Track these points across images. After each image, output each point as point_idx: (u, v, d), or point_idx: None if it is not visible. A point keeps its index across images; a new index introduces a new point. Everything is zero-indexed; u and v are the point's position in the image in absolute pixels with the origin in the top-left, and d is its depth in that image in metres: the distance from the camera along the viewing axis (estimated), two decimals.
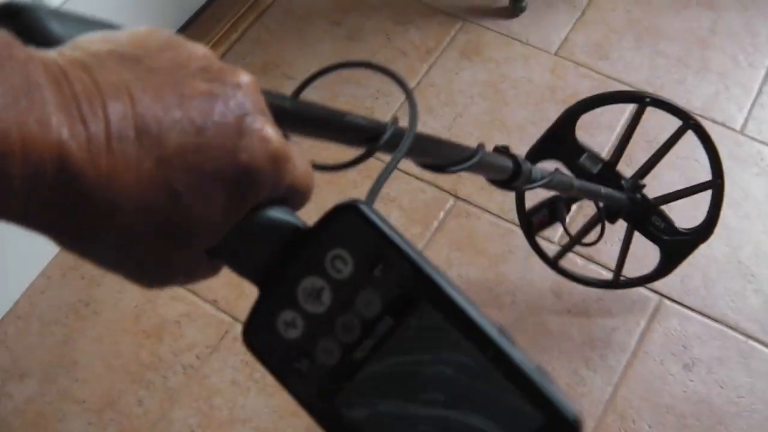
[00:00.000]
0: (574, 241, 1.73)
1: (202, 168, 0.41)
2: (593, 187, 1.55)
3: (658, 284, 1.85)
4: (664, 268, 1.76)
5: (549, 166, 1.33)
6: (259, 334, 0.49)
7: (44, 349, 1.84)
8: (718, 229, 1.87)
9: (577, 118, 1.68)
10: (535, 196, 1.69)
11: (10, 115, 0.35)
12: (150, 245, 0.43)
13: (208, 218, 0.43)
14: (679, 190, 1.73)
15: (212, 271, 0.50)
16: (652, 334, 1.81)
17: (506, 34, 2.28)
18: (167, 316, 1.86)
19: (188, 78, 0.42)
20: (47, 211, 0.38)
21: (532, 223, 1.76)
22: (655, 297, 1.85)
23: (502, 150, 1.22)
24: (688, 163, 2.01)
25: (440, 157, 0.95)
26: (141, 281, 0.47)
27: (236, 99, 0.43)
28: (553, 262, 1.80)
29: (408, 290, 0.46)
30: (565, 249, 1.79)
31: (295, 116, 0.62)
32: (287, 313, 0.47)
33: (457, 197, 1.99)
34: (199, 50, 0.44)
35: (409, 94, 0.77)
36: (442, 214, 1.97)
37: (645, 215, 1.70)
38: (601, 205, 1.66)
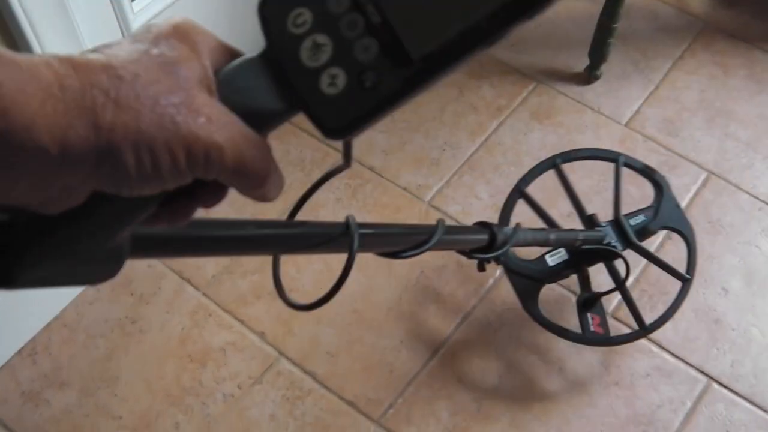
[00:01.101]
0: (597, 297, 1.74)
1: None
2: (570, 234, 1.62)
3: (708, 367, 1.83)
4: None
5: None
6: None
7: (87, 361, 1.85)
8: None
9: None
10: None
11: None
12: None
13: None
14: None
15: None
16: (697, 416, 1.78)
17: (579, 100, 2.28)
18: (213, 342, 1.86)
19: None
20: None
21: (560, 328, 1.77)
22: (703, 379, 1.82)
23: (479, 223, 1.23)
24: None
25: (396, 245, 0.96)
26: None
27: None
28: (584, 337, 1.78)
29: None
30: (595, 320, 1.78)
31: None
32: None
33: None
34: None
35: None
36: (498, 273, 1.96)
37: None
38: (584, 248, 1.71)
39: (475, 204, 2.06)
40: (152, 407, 1.79)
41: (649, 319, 1.76)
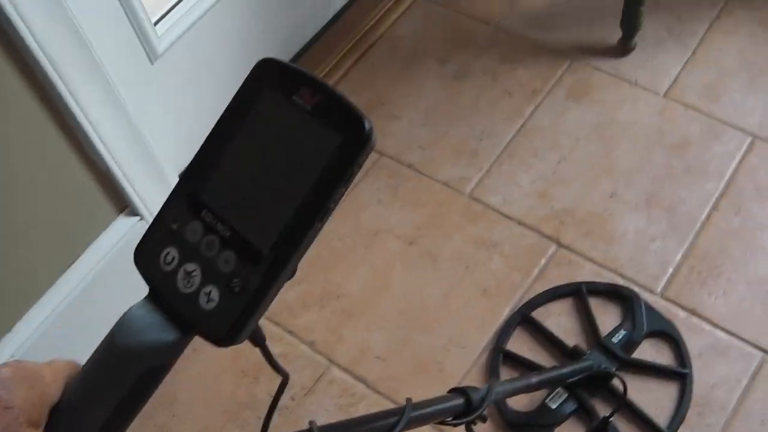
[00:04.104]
0: (606, 422, 1.72)
1: None
2: (555, 372, 1.65)
3: (763, 341, 1.80)
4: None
5: None
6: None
7: None
8: None
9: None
10: None
11: None
12: None
13: None
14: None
15: None
16: (754, 393, 1.76)
17: (614, 74, 2.24)
18: None
19: None
20: None
21: None
22: (758, 354, 1.80)
23: (452, 390, 1.24)
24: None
25: None
26: None
27: None
28: None
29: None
30: None
31: None
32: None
33: (559, 244, 1.96)
34: None
35: None
36: (543, 261, 1.95)
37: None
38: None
39: (516, 192, 2.05)
40: (211, 424, 1.82)
41: (663, 422, 1.75)
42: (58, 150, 1.63)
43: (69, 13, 1.48)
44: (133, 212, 1.85)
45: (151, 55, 1.87)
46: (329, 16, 2.38)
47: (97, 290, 1.82)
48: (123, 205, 1.84)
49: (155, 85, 1.93)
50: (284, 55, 2.27)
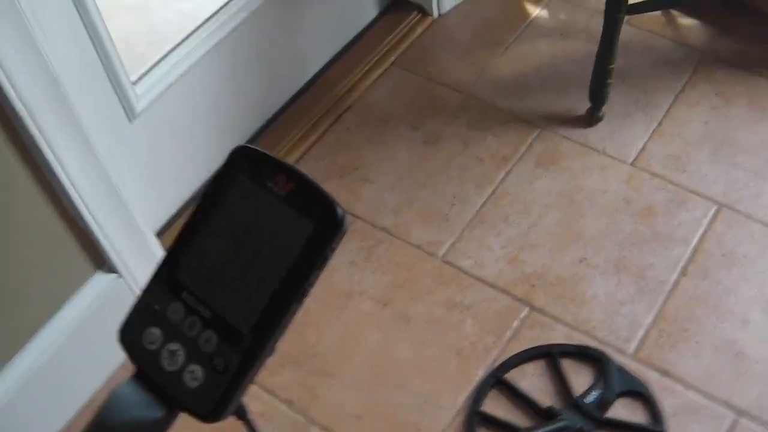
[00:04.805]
0: None
1: None
2: None
3: (734, 401, 1.82)
4: None
5: None
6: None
7: None
8: None
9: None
10: None
11: None
12: None
13: None
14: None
15: None
16: None
17: (583, 143, 2.29)
18: None
19: None
20: None
21: None
22: (730, 414, 1.82)
23: None
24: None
25: None
26: None
27: None
28: None
29: None
30: None
31: None
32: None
33: (531, 307, 1.99)
34: None
35: None
36: (516, 323, 1.96)
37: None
38: None
39: (488, 256, 2.07)
40: None
41: None
42: (36, 205, 1.63)
43: (51, 69, 1.49)
44: (111, 269, 1.84)
45: (130, 114, 1.89)
46: (305, 79, 2.42)
47: (72, 348, 1.80)
48: (100, 261, 1.83)
49: (133, 143, 1.94)
50: (260, 117, 2.30)
